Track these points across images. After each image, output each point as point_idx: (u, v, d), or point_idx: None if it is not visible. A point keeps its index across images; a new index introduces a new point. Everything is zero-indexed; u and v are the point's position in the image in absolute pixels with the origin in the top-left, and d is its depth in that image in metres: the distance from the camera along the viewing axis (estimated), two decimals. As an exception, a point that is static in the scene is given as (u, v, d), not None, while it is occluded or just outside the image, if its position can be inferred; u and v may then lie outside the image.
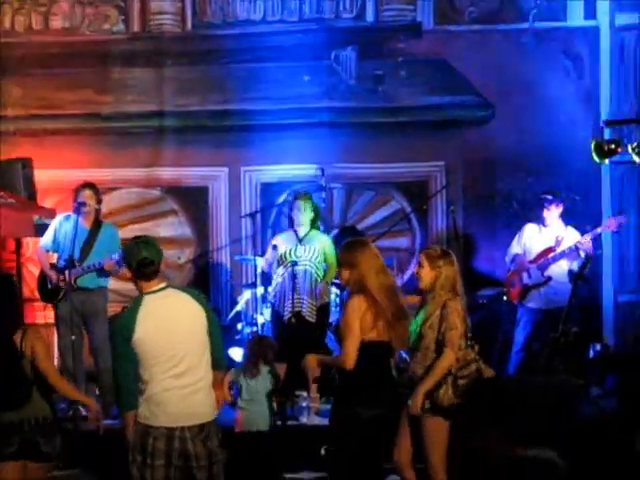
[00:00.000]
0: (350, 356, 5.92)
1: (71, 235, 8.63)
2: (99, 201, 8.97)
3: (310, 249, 9.15)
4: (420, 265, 6.34)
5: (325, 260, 9.23)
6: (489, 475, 2.73)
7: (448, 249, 6.59)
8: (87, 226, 8.82)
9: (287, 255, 9.13)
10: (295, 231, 9.36)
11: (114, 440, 7.80)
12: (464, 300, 6.37)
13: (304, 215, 9.28)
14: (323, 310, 9.17)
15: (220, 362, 5.75)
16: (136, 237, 5.76)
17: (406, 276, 10.30)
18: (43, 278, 8.96)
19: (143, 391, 5.42)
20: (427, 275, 6.29)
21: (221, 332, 5.77)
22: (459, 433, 5.31)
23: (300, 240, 9.24)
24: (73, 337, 8.69)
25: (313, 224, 9.36)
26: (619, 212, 9.46)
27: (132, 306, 5.55)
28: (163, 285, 5.54)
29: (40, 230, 9.20)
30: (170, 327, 5.38)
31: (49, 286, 8.86)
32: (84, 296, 8.77)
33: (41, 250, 9.03)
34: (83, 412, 7.92)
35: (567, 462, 2.73)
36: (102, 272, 8.77)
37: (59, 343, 8.89)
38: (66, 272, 8.67)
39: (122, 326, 5.50)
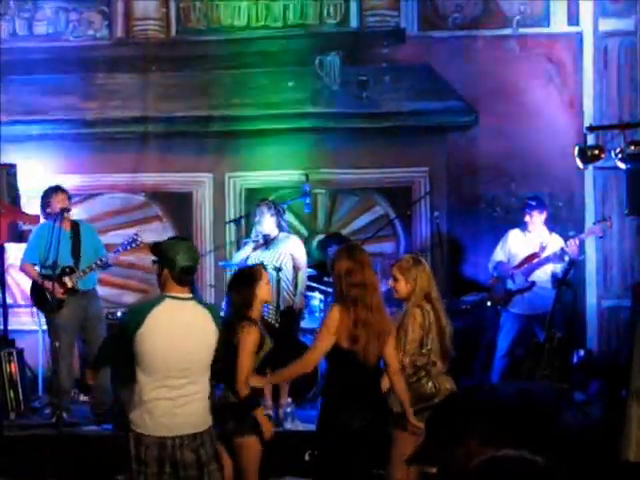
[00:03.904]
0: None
1: (56, 242, 8.37)
2: None
3: (275, 254, 8.85)
4: (395, 279, 6.35)
5: (293, 264, 8.90)
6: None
7: (419, 256, 6.60)
8: (67, 229, 8.72)
9: (251, 261, 8.65)
10: (264, 236, 8.94)
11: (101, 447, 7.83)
12: (440, 304, 6.40)
13: (263, 222, 8.89)
14: (288, 315, 8.80)
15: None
16: (182, 238, 5.75)
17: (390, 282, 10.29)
18: (37, 291, 8.73)
19: (136, 393, 5.31)
20: (403, 288, 6.33)
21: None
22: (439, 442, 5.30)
23: (267, 245, 8.90)
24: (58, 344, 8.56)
25: (281, 228, 9.04)
26: (603, 218, 9.47)
27: (151, 300, 5.49)
28: (189, 295, 5.44)
29: (22, 236, 9.14)
30: (177, 338, 5.26)
31: (48, 297, 8.49)
32: (86, 300, 8.70)
33: (29, 266, 8.81)
34: (66, 419, 7.90)
35: (547, 462, 2.72)
36: (98, 269, 8.76)
37: (55, 350, 8.46)
38: (66, 279, 8.58)
39: (135, 312, 5.48)
